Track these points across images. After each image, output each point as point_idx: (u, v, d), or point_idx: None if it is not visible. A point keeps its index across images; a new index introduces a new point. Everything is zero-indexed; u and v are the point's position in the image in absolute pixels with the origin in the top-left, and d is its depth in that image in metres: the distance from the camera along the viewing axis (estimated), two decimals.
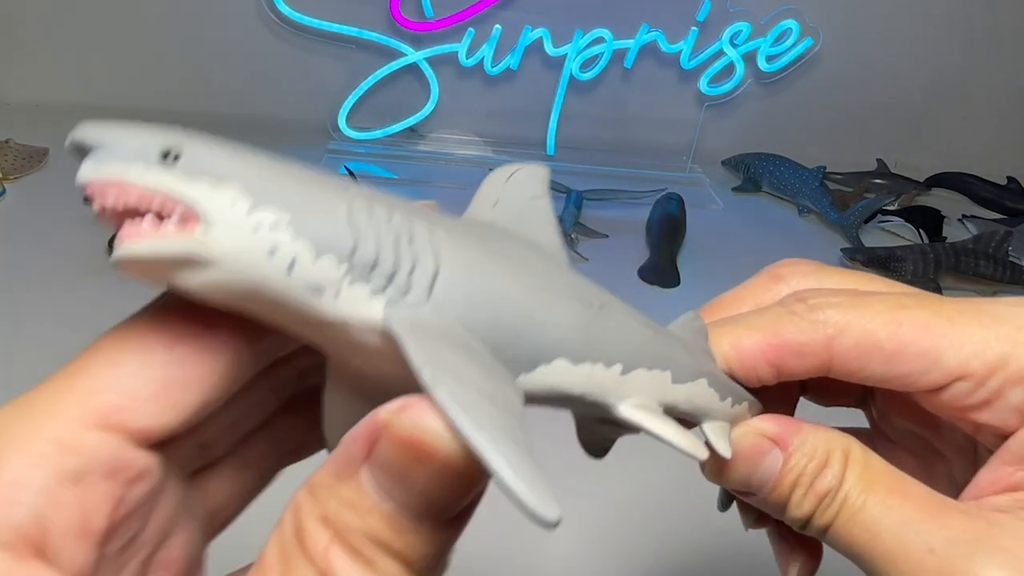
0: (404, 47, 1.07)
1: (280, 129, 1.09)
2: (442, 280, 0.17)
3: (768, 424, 0.24)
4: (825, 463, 0.23)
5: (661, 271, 0.86)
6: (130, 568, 0.19)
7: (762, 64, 1.14)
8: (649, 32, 1.10)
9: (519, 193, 0.23)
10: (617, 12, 1.10)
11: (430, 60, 1.08)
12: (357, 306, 0.17)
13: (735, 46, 1.11)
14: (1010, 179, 1.20)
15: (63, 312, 0.69)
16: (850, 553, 0.23)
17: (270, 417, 0.23)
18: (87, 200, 0.16)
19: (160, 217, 0.16)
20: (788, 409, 0.29)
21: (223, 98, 1.12)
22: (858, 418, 0.30)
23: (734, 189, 1.13)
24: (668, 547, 0.54)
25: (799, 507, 0.23)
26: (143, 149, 0.16)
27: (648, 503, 0.57)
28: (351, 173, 0.97)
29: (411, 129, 1.11)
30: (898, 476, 0.23)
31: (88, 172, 0.16)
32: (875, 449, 0.24)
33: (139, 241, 0.16)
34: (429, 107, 1.10)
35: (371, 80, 1.07)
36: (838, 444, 0.24)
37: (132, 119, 0.17)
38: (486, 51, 1.08)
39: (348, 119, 1.08)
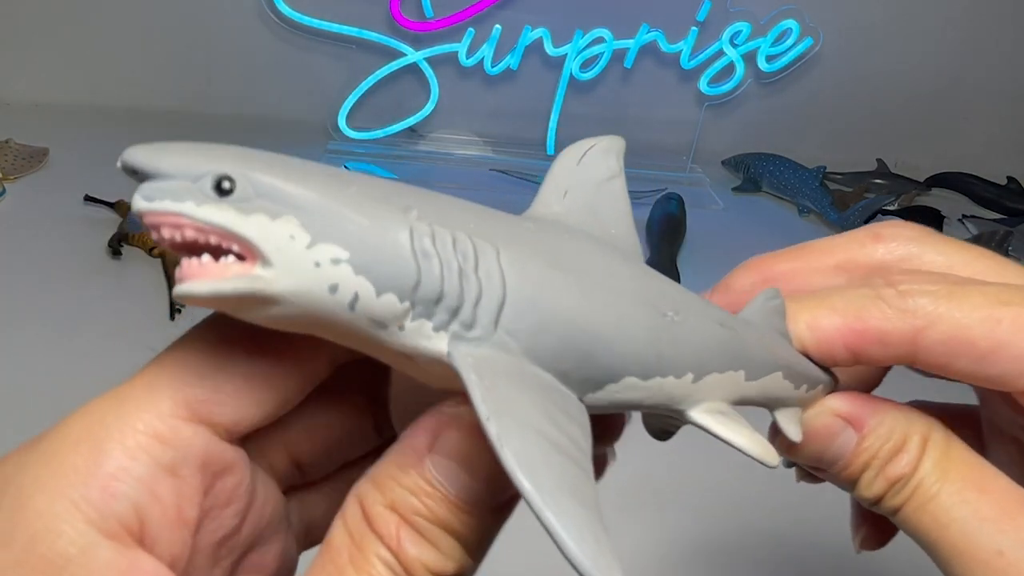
0: (404, 47, 1.07)
1: (280, 129, 1.09)
2: (508, 310, 0.17)
3: (841, 403, 0.23)
4: (901, 447, 0.22)
5: (661, 271, 0.85)
6: (223, 565, 0.20)
7: (762, 64, 1.14)
8: (649, 32, 1.10)
9: (591, 177, 0.23)
10: (617, 12, 1.10)
11: (430, 60, 1.08)
12: (420, 340, 0.17)
13: (735, 46, 1.11)
14: (1010, 179, 1.20)
15: (63, 312, 0.68)
16: (917, 539, 0.22)
17: (372, 451, 0.23)
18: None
19: (219, 250, 0.16)
20: (878, 376, 0.27)
21: (223, 98, 1.12)
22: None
23: (734, 189, 1.13)
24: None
25: (868, 488, 0.23)
26: (195, 180, 0.16)
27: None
28: None
29: (411, 129, 1.11)
30: (979, 467, 0.22)
31: (142, 204, 0.16)
32: (983, 430, 0.23)
33: (200, 281, 0.15)
34: (429, 107, 1.10)
35: (371, 80, 1.07)
36: (918, 428, 0.22)
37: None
38: (486, 51, 1.08)
39: (348, 119, 1.08)
